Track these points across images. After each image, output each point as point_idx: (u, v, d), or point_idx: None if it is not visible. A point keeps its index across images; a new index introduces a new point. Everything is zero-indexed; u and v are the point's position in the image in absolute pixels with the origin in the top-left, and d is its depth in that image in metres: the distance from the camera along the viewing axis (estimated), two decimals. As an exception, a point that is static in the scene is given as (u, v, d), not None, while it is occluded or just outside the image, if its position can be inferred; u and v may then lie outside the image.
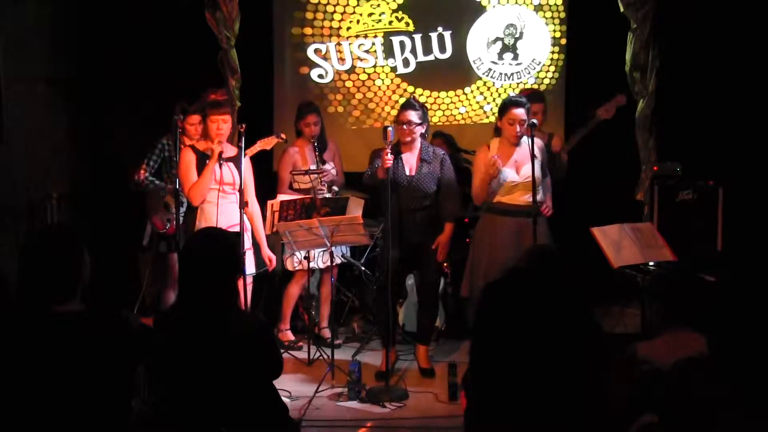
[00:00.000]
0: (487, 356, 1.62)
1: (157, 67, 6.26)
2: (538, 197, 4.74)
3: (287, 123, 6.58)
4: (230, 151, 5.04)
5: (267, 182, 6.02)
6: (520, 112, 4.73)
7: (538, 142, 4.85)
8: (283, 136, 5.49)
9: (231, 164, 4.98)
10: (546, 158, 4.94)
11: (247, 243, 4.97)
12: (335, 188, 5.72)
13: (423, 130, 4.99)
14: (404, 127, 4.90)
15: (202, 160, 4.92)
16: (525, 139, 4.77)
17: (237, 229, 4.80)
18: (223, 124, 4.94)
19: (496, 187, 4.80)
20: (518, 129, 4.73)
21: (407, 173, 4.95)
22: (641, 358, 3.08)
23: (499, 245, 4.79)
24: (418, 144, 4.99)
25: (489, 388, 1.62)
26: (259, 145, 5.35)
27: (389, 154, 4.71)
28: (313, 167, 5.55)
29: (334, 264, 5.42)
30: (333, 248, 5.05)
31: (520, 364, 1.55)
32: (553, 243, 4.80)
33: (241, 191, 4.77)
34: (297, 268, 5.62)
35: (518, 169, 4.81)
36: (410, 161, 4.98)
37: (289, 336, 5.77)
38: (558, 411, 1.57)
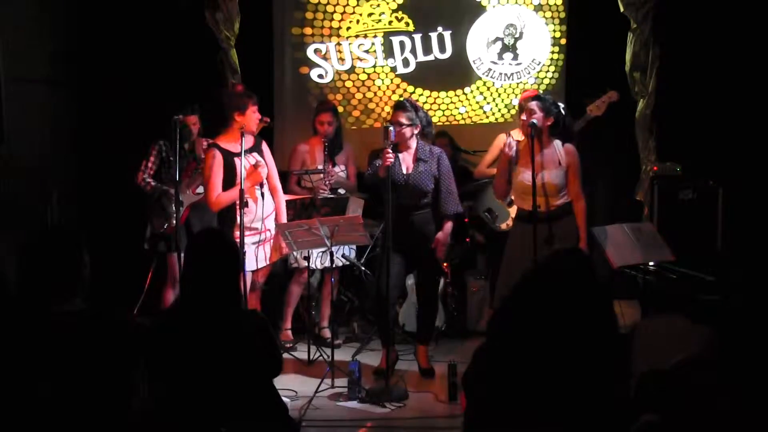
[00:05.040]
0: (502, 360, 1.62)
1: (157, 67, 6.26)
2: (559, 202, 4.77)
3: (287, 123, 6.60)
4: (248, 141, 4.95)
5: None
6: (528, 103, 4.85)
7: (568, 147, 4.86)
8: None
9: (254, 156, 4.96)
10: (577, 164, 4.87)
11: (255, 238, 4.96)
12: (341, 191, 5.71)
13: (416, 131, 4.98)
14: (395, 126, 4.94)
15: (228, 158, 4.84)
16: (555, 145, 4.81)
17: (271, 219, 4.96)
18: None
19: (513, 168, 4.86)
20: (525, 117, 4.77)
21: (404, 171, 4.97)
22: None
23: (520, 253, 4.79)
24: (414, 143, 5.01)
25: (497, 389, 1.62)
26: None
27: (390, 153, 4.73)
28: (319, 167, 5.55)
29: (333, 266, 5.41)
30: (333, 249, 5.04)
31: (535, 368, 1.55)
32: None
33: (241, 191, 4.74)
34: (293, 266, 5.63)
35: (537, 173, 4.72)
36: (407, 160, 5.01)
37: (290, 336, 5.77)
38: (562, 412, 1.57)
